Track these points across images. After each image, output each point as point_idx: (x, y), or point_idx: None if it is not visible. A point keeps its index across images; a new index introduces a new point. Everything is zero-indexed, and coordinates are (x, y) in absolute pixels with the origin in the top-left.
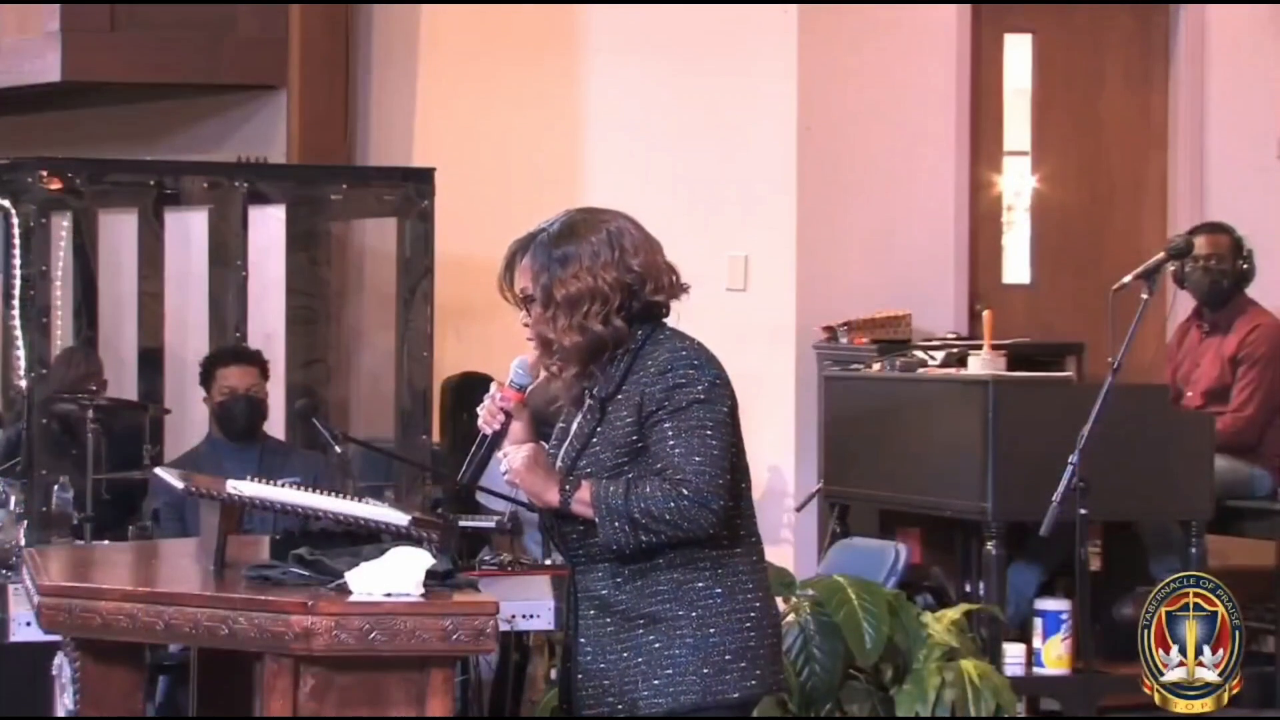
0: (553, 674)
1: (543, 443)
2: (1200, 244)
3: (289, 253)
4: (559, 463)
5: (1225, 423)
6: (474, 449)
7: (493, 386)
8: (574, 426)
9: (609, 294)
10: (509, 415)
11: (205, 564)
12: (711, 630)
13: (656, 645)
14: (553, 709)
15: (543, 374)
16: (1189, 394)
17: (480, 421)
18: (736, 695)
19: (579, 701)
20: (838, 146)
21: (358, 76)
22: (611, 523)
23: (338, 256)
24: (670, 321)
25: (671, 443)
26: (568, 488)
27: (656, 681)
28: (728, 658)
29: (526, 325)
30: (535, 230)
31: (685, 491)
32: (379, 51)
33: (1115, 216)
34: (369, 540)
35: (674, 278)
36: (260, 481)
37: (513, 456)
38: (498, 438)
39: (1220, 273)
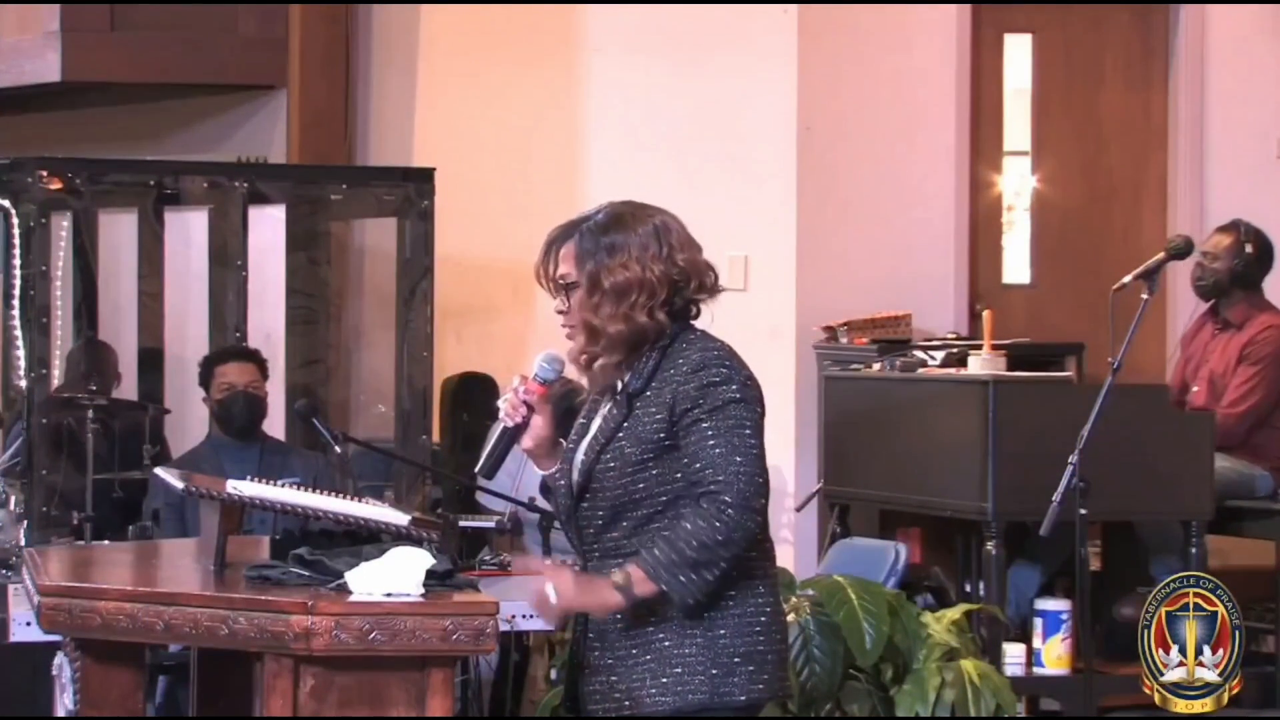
0: (553, 674)
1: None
2: (1206, 241)
3: (289, 253)
4: (580, 456)
5: (1218, 418)
6: (494, 441)
7: (516, 379)
8: (597, 421)
9: (655, 286)
10: (531, 408)
11: (205, 564)
12: (722, 632)
13: (666, 644)
14: (553, 709)
15: (579, 367)
16: (1195, 389)
17: (502, 414)
18: (744, 698)
19: (586, 698)
20: (838, 146)
21: (358, 76)
22: (677, 581)
23: (338, 256)
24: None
25: (711, 442)
26: (619, 581)
27: (665, 680)
28: (736, 660)
29: (561, 313)
30: (578, 218)
31: (727, 500)
32: (379, 51)
33: (1115, 216)
34: (369, 540)
35: (714, 277)
36: (260, 481)
37: (559, 590)
38: (519, 430)
39: (1212, 271)
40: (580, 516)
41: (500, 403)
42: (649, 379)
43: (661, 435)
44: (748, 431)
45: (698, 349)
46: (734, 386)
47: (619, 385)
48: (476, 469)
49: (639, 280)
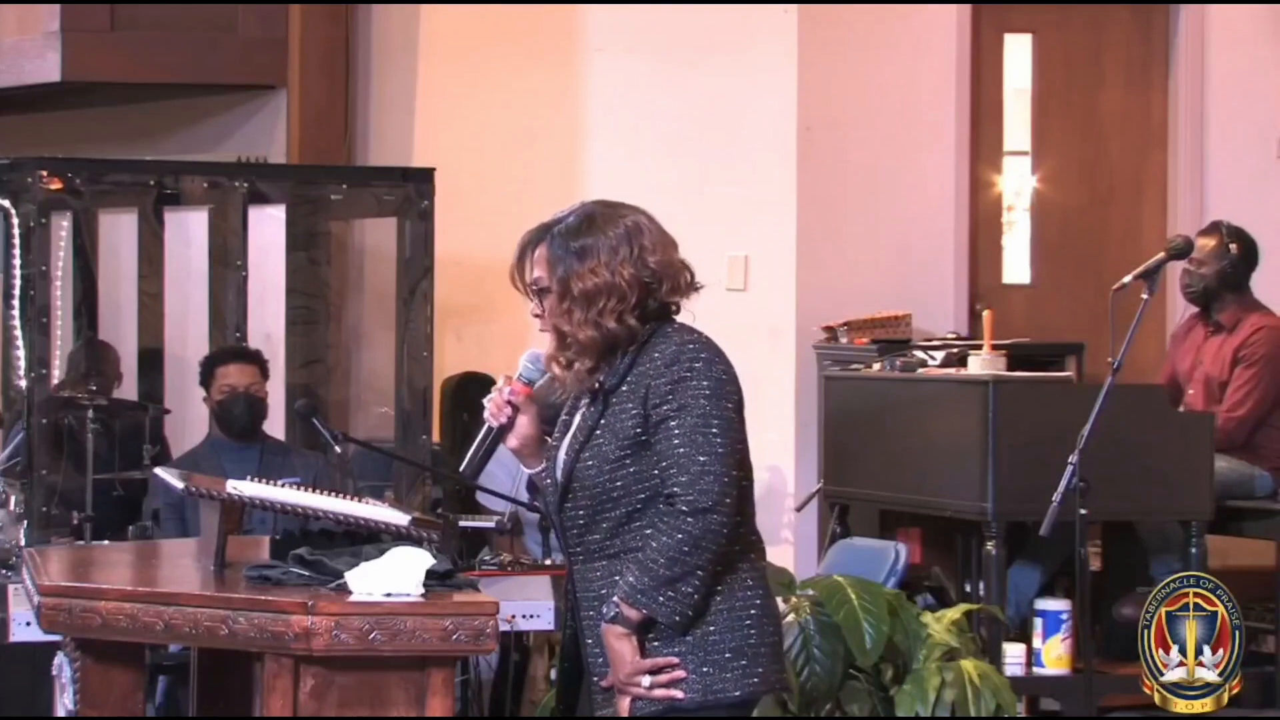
0: (553, 674)
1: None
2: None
3: (289, 253)
4: (563, 454)
5: (1217, 422)
6: (479, 441)
7: (500, 379)
8: (577, 419)
9: (626, 291)
10: (516, 409)
11: (205, 564)
12: (711, 629)
13: (656, 643)
14: (553, 709)
15: (553, 371)
16: (1190, 391)
17: (487, 414)
18: (738, 694)
19: (594, 704)
20: (838, 146)
21: (358, 76)
22: (657, 603)
23: (338, 256)
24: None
25: (676, 441)
26: (611, 616)
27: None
28: (727, 655)
29: (537, 316)
30: (551, 220)
31: (683, 507)
32: (379, 51)
33: (1115, 216)
34: (369, 540)
35: (689, 276)
36: (260, 481)
37: (619, 677)
38: (503, 431)
39: (1199, 276)
40: (564, 517)
41: (486, 402)
42: (625, 375)
43: (638, 430)
44: (714, 430)
45: (674, 342)
46: (704, 383)
47: (598, 383)
48: (460, 469)
49: (608, 285)
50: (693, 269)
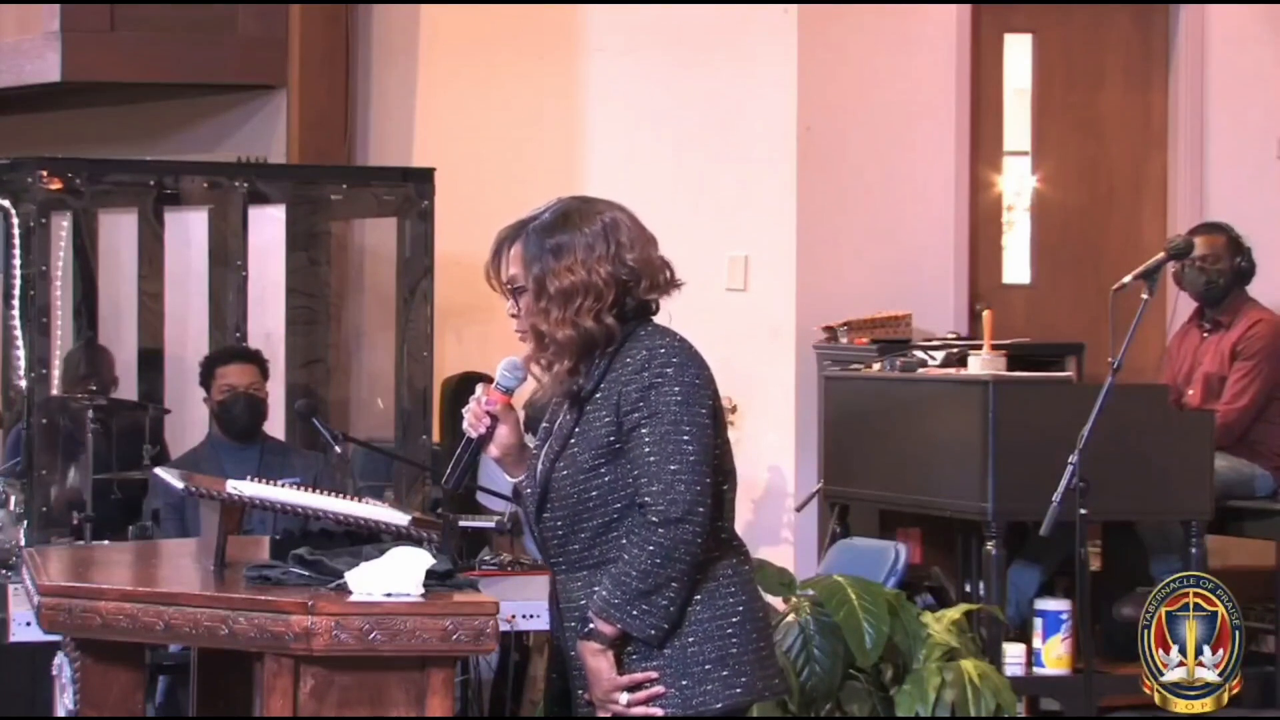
0: (553, 675)
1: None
2: (1196, 244)
3: (289, 253)
4: (540, 464)
5: (1219, 415)
6: (459, 452)
7: (479, 389)
8: (555, 426)
9: (602, 289)
10: (495, 418)
11: (205, 564)
12: (690, 640)
13: (634, 657)
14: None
15: (532, 373)
16: (1190, 393)
17: (465, 424)
18: (720, 705)
19: (581, 715)
20: (838, 146)
21: (358, 76)
22: (631, 617)
23: (338, 256)
24: (666, 320)
25: (648, 449)
26: (586, 633)
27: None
28: (707, 667)
29: (513, 316)
30: (526, 217)
31: (654, 520)
32: (379, 51)
33: (1115, 216)
34: (369, 540)
35: (668, 274)
36: (260, 481)
37: (597, 691)
38: (483, 441)
39: (1217, 272)
40: (544, 526)
41: (464, 412)
42: (599, 381)
43: (611, 438)
44: (685, 437)
45: (645, 346)
46: (675, 389)
47: (575, 388)
48: (443, 481)
49: (584, 284)
50: (672, 266)
